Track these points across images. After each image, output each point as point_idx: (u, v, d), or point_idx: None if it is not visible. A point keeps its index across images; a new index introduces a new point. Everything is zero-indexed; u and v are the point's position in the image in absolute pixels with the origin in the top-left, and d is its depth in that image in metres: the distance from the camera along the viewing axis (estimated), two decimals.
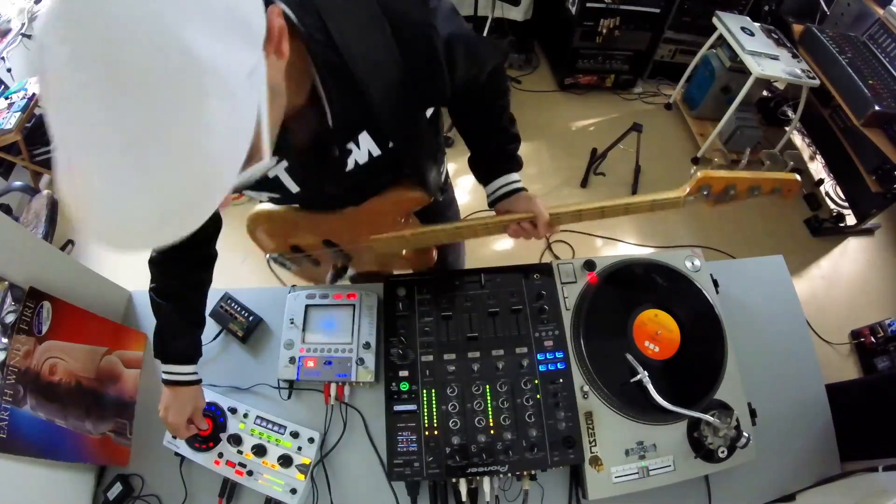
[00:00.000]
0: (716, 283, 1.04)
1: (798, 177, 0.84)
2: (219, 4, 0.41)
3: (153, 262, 0.89)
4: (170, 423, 0.91)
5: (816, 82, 2.33)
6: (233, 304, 1.12)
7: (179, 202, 0.43)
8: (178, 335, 0.92)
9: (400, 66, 0.66)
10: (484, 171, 0.99)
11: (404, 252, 1.11)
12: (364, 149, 0.76)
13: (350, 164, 0.77)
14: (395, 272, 1.17)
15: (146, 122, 0.38)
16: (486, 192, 0.99)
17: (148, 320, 1.18)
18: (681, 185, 0.87)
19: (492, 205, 0.99)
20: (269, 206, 0.98)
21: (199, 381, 0.95)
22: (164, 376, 0.92)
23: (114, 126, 0.38)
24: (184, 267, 0.90)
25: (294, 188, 0.81)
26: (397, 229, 0.97)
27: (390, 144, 0.77)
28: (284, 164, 0.76)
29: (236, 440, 0.96)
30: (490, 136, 0.96)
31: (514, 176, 0.97)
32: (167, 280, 0.90)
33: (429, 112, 0.79)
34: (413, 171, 0.87)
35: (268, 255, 1.16)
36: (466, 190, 0.97)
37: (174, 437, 0.97)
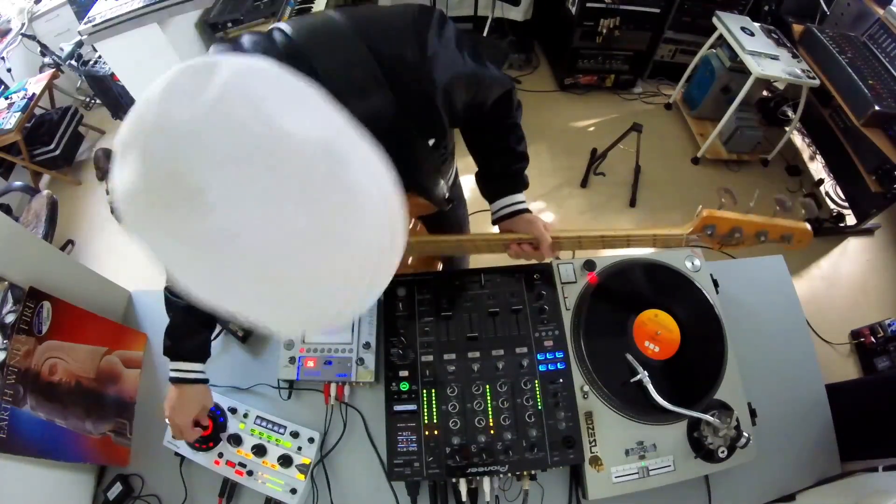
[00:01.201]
0: (716, 283, 1.04)
1: (809, 227, 0.82)
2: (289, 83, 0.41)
3: None
4: (175, 423, 0.90)
5: (816, 82, 2.33)
6: None
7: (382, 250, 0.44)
8: (190, 334, 0.92)
9: (393, 108, 0.65)
10: (489, 189, 0.99)
11: (410, 261, 1.11)
12: None
13: None
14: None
15: (331, 215, 0.38)
16: (490, 209, 0.99)
17: (148, 320, 1.18)
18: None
19: (495, 223, 0.99)
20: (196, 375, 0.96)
21: (206, 381, 0.94)
22: (172, 374, 0.91)
23: (301, 226, 0.37)
24: None
25: None
26: None
27: None
28: None
29: (236, 440, 0.96)
30: (496, 154, 0.96)
31: (519, 196, 0.96)
32: None
33: (431, 141, 0.78)
34: (417, 191, 0.87)
35: None
36: (473, 186, 0.97)
37: (179, 439, 0.97)
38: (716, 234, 0.83)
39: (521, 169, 0.97)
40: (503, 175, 0.97)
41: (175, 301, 0.90)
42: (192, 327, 0.91)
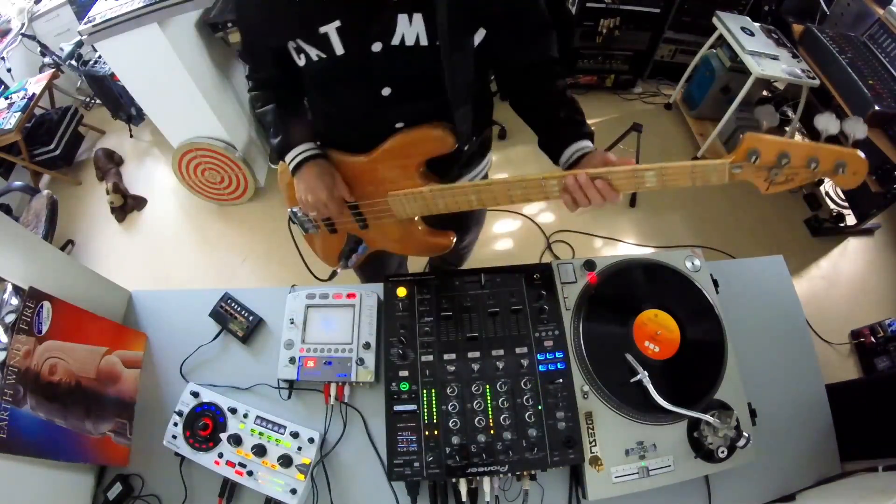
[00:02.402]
0: (716, 283, 1.04)
1: (864, 156, 0.73)
2: None
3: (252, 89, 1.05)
4: (321, 202, 0.99)
5: (816, 82, 2.33)
6: (233, 304, 1.12)
7: None
8: (290, 122, 1.01)
9: None
10: (558, 140, 0.94)
11: (420, 227, 1.09)
12: (414, 31, 0.82)
13: (396, 39, 0.82)
14: (407, 255, 1.13)
15: None
16: (561, 160, 0.95)
17: (148, 320, 1.18)
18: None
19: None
20: (305, 154, 1.03)
21: (324, 155, 1.02)
22: (296, 161, 0.99)
23: None
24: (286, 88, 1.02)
25: (340, 49, 0.85)
26: (415, 185, 0.97)
27: (437, 43, 0.82)
28: (337, 23, 0.81)
29: (236, 440, 0.96)
30: (560, 105, 0.95)
31: (588, 143, 0.92)
32: (272, 90, 1.02)
33: (478, 37, 0.85)
34: (449, 89, 0.88)
35: (290, 210, 1.15)
36: None
37: (331, 216, 1.07)
38: (760, 161, 0.76)
39: (583, 119, 0.95)
40: (570, 122, 0.94)
41: (263, 107, 1.02)
42: (288, 114, 1.02)
